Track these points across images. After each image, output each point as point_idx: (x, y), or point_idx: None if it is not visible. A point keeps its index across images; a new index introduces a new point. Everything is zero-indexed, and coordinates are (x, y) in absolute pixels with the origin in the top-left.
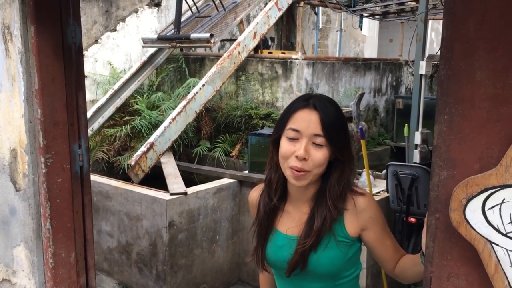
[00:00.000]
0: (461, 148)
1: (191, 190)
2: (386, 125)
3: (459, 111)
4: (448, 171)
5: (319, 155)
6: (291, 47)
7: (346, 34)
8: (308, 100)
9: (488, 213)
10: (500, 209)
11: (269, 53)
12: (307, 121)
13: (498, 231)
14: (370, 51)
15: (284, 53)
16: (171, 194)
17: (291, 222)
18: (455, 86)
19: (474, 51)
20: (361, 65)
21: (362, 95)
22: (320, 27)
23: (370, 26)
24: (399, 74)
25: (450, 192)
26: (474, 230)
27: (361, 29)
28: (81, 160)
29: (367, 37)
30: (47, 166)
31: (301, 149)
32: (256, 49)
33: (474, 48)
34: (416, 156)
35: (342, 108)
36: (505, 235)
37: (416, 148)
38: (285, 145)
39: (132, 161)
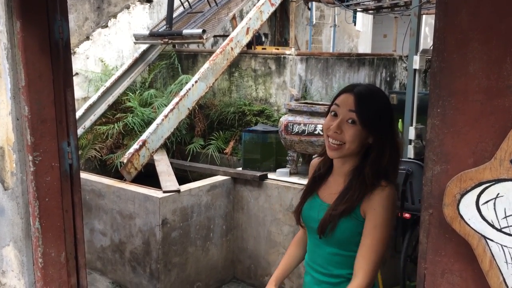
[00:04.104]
0: (455, 142)
1: (184, 187)
2: None
3: (452, 104)
4: (442, 165)
5: (351, 131)
6: (285, 43)
7: (340, 29)
8: (352, 87)
9: (482, 208)
10: (494, 203)
11: (263, 49)
12: (345, 99)
13: (492, 226)
14: (364, 47)
15: (278, 49)
16: (164, 192)
17: (329, 191)
18: (448, 78)
19: (467, 42)
20: (355, 60)
21: None
22: (314, 22)
23: (364, 22)
24: (393, 69)
25: (444, 187)
26: (468, 225)
27: (355, 24)
28: (70, 158)
29: (361, 33)
30: (35, 164)
31: (336, 123)
32: (249, 45)
33: (467, 39)
34: (410, 152)
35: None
36: (499, 230)
37: (410, 144)
38: (327, 119)
39: (125, 159)
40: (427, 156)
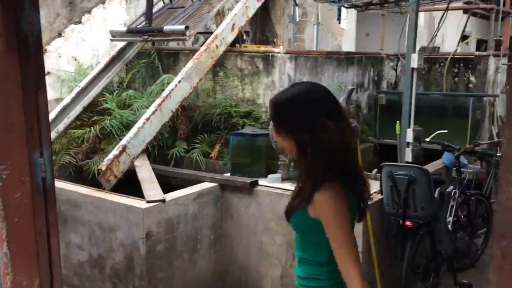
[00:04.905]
0: None
1: (170, 196)
2: (368, 121)
3: None
4: None
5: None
6: (267, 41)
7: (323, 27)
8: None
9: None
10: None
11: (244, 47)
12: None
13: None
14: (348, 45)
15: (259, 47)
16: (148, 202)
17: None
18: None
19: None
20: (344, 59)
21: (351, 91)
22: (297, 20)
23: (348, 20)
24: (381, 68)
25: None
26: None
27: (339, 22)
28: (43, 171)
29: (344, 31)
30: (1, 179)
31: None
32: (233, 43)
33: None
34: (408, 155)
35: None
36: None
37: (408, 146)
38: None
39: (103, 166)
40: (502, 176)
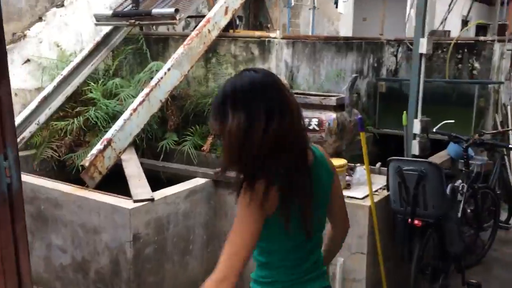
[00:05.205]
0: None
1: (159, 194)
2: (367, 110)
3: None
4: None
5: None
6: (260, 26)
7: (319, 12)
8: None
9: None
10: None
11: (237, 32)
12: None
13: None
14: (346, 30)
15: (254, 33)
16: (135, 201)
17: None
18: None
19: None
20: (343, 45)
21: (355, 78)
22: (292, 4)
23: (345, 4)
24: (381, 54)
25: None
26: None
27: (336, 7)
28: (8, 175)
29: (341, 15)
30: None
31: None
32: (226, 28)
33: None
34: (415, 147)
35: (323, 93)
36: None
37: (414, 138)
38: None
39: (86, 162)
40: None
